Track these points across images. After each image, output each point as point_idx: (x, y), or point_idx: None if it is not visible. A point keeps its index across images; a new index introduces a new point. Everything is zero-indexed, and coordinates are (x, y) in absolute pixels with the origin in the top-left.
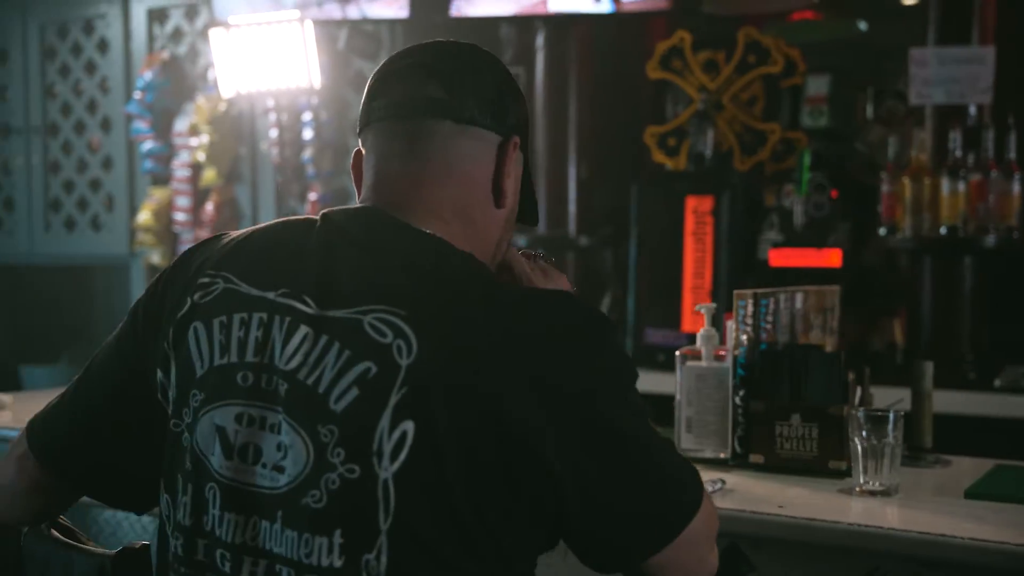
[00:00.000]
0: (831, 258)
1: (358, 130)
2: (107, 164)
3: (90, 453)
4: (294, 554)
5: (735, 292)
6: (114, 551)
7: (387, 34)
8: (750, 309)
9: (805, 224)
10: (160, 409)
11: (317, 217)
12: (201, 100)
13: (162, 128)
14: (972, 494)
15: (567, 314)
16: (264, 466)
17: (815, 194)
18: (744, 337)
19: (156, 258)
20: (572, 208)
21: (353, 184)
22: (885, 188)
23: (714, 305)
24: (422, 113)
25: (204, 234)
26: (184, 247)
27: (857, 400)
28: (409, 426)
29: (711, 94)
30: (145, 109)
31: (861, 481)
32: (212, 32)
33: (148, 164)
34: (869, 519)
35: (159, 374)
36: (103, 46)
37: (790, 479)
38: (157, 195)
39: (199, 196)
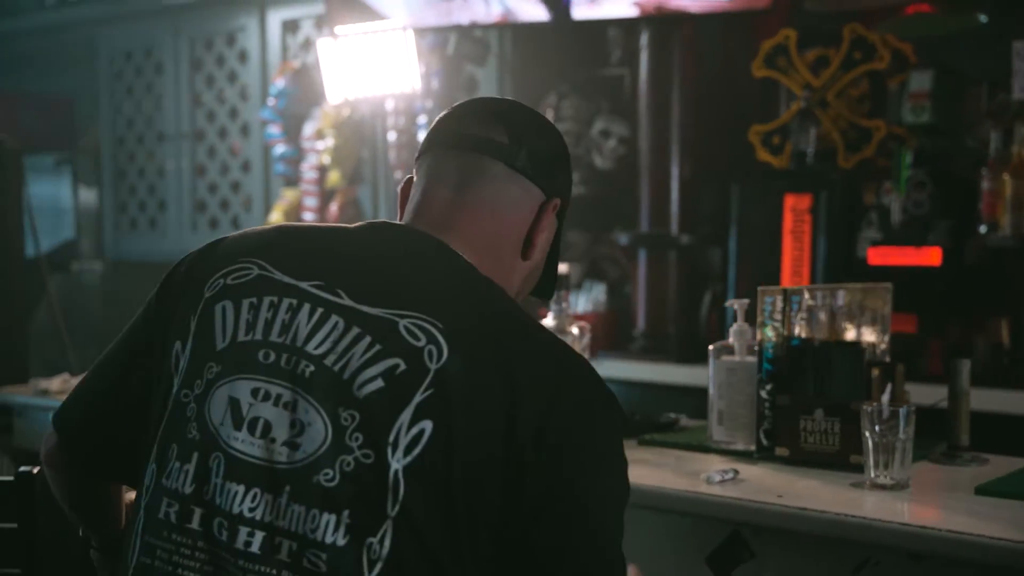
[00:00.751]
0: (931, 256)
1: (416, 156)
2: (246, 167)
3: (98, 428)
4: (299, 528)
5: (759, 289)
6: None
7: (495, 39)
8: (778, 305)
9: (904, 222)
10: (166, 383)
11: (352, 225)
12: (327, 106)
13: (292, 133)
14: (983, 491)
15: (590, 382)
16: (274, 441)
17: (915, 191)
18: (770, 333)
19: None
20: (674, 207)
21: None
22: (985, 185)
23: (747, 301)
24: (480, 149)
25: None
26: None
27: (887, 397)
28: (428, 425)
29: (815, 91)
30: (277, 115)
31: (872, 475)
32: (320, 42)
33: (280, 167)
34: (858, 510)
35: (177, 345)
36: (243, 57)
37: (809, 472)
38: (288, 196)
39: (325, 196)
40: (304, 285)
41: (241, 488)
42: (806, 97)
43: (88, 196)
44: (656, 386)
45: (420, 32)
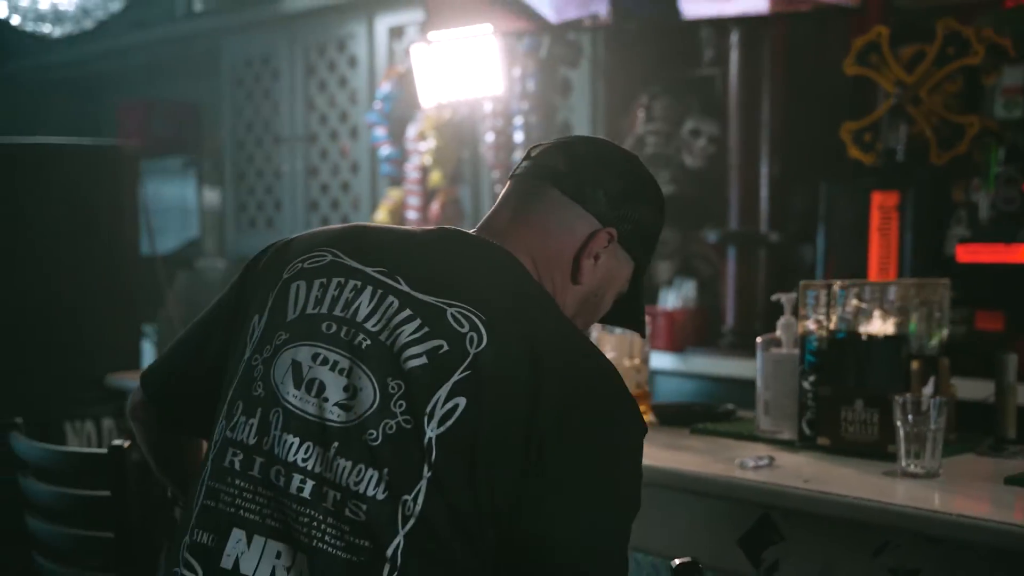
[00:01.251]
0: (1021, 253)
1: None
2: (354, 168)
3: (176, 386)
4: (343, 481)
5: (801, 283)
6: None
7: (588, 42)
8: (822, 299)
9: (993, 218)
10: (240, 351)
11: (421, 228)
12: (429, 108)
13: (397, 135)
14: (1012, 480)
15: (612, 387)
16: (326, 400)
17: (1005, 188)
18: (812, 326)
19: None
20: (764, 205)
21: None
22: None
23: (794, 295)
24: (540, 177)
25: None
26: None
27: (929, 389)
28: (462, 401)
29: (907, 88)
30: (383, 118)
31: (903, 464)
32: (413, 48)
33: (386, 168)
34: (879, 496)
35: (255, 319)
36: (352, 62)
37: (847, 461)
38: (393, 195)
39: (427, 196)
40: (369, 270)
41: (296, 440)
42: (897, 94)
43: (211, 196)
44: (743, 381)
45: (517, 35)
